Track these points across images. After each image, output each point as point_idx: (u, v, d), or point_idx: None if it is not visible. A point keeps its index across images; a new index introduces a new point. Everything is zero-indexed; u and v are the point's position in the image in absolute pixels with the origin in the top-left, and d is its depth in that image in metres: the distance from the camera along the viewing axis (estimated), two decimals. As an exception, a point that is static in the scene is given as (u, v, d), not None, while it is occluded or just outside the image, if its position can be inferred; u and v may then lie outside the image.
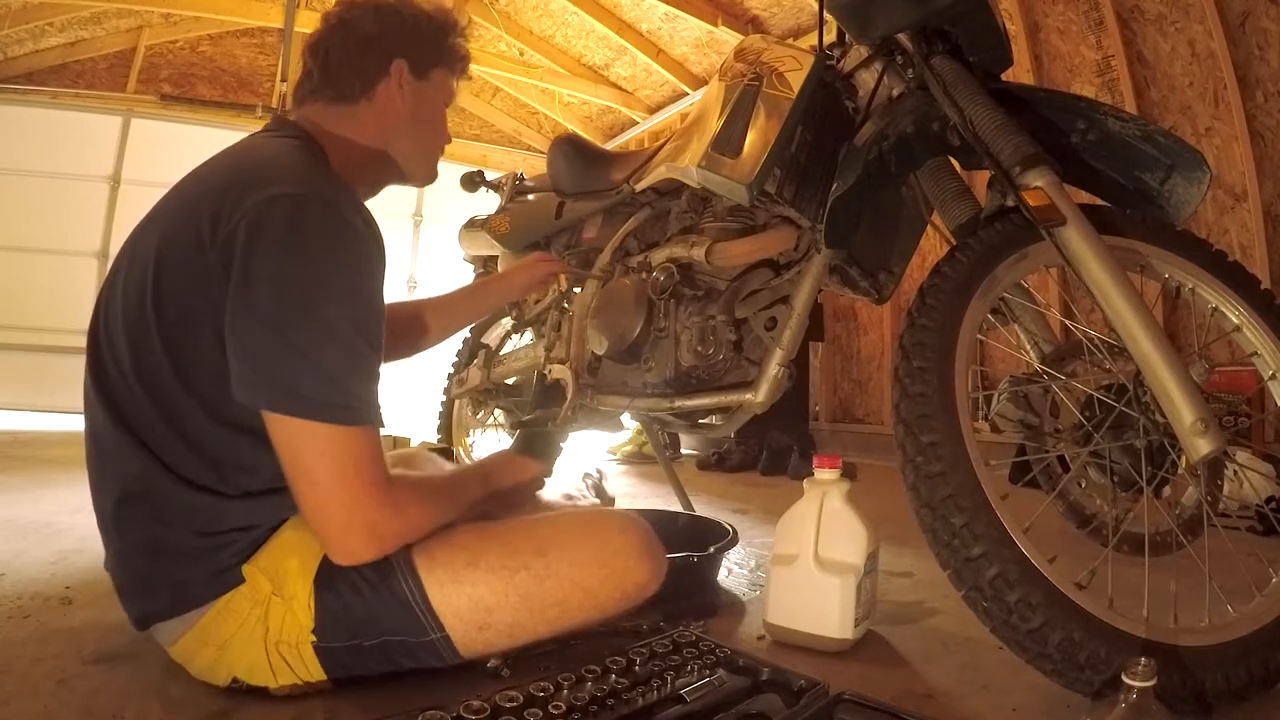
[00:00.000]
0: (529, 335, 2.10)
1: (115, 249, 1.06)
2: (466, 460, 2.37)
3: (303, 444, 0.78)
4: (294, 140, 0.94)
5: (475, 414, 2.33)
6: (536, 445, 1.14)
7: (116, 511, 0.85)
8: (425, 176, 1.11)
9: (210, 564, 0.82)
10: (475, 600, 0.86)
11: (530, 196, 1.98)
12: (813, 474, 1.11)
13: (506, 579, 0.87)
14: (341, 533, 0.80)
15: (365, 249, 0.83)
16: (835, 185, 1.11)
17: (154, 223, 0.89)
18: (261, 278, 0.78)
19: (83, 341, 0.92)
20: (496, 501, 1.05)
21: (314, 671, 0.84)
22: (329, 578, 0.83)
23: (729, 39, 4.49)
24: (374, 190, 1.07)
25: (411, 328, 1.32)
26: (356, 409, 0.80)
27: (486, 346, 2.20)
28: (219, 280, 0.79)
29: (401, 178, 1.08)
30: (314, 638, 0.82)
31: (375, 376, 0.84)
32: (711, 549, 1.30)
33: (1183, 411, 0.88)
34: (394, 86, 1.01)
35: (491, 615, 0.87)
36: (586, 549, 0.91)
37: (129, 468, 0.83)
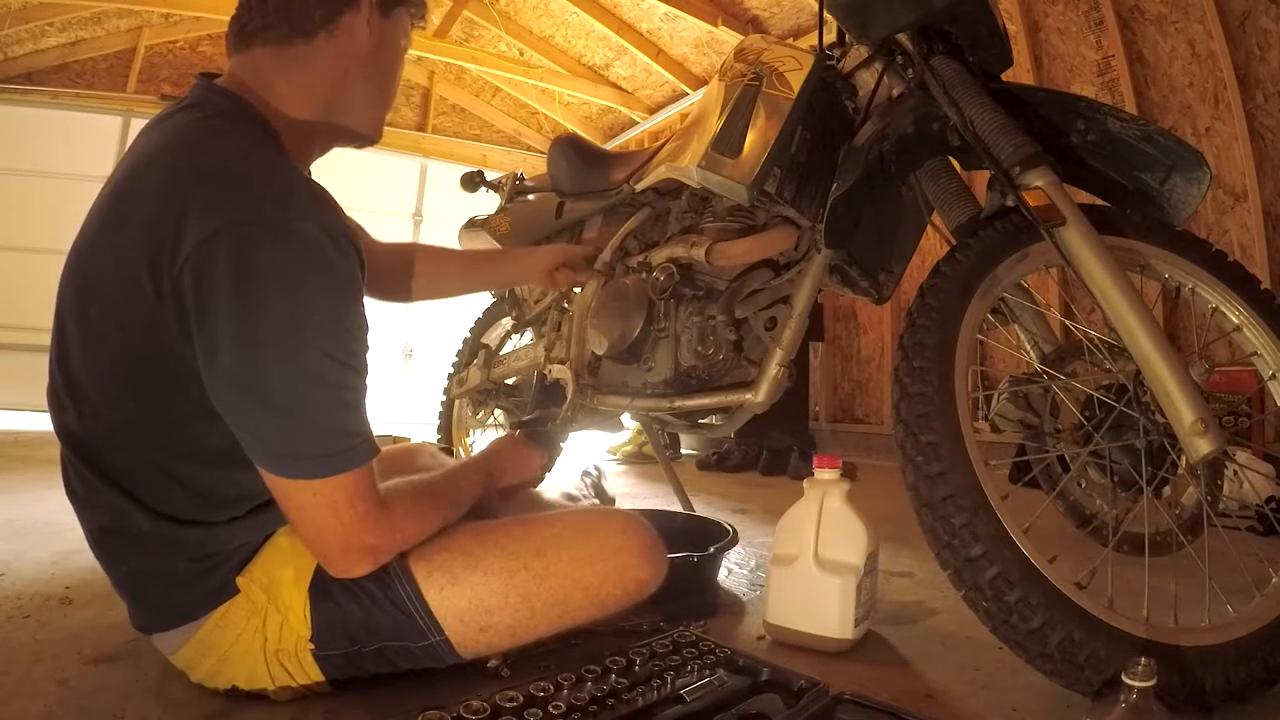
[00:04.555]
0: (529, 335, 2.10)
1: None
2: (466, 460, 2.36)
3: (296, 493, 0.76)
4: (227, 123, 0.82)
5: (475, 414, 2.33)
6: (540, 435, 1.14)
7: (100, 542, 0.83)
8: (375, 131, 0.97)
9: (205, 583, 0.81)
10: (475, 603, 0.86)
11: (530, 196, 1.98)
12: (813, 474, 1.11)
13: (506, 580, 0.87)
14: (337, 556, 0.80)
15: (328, 261, 0.74)
16: (835, 185, 1.11)
17: (89, 256, 0.80)
18: (225, 341, 0.71)
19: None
20: (495, 492, 1.05)
21: (313, 675, 0.83)
22: (324, 586, 0.82)
23: (729, 39, 4.49)
24: (322, 153, 0.96)
25: (400, 277, 1.28)
26: (348, 454, 0.76)
27: (486, 346, 2.20)
28: (172, 330, 0.73)
29: (350, 136, 0.95)
30: (312, 646, 0.82)
31: (364, 398, 0.79)
32: (711, 549, 1.30)
33: (1183, 411, 0.88)
34: (361, 19, 0.88)
35: (492, 617, 0.86)
36: (586, 548, 0.91)
37: (107, 508, 0.80)
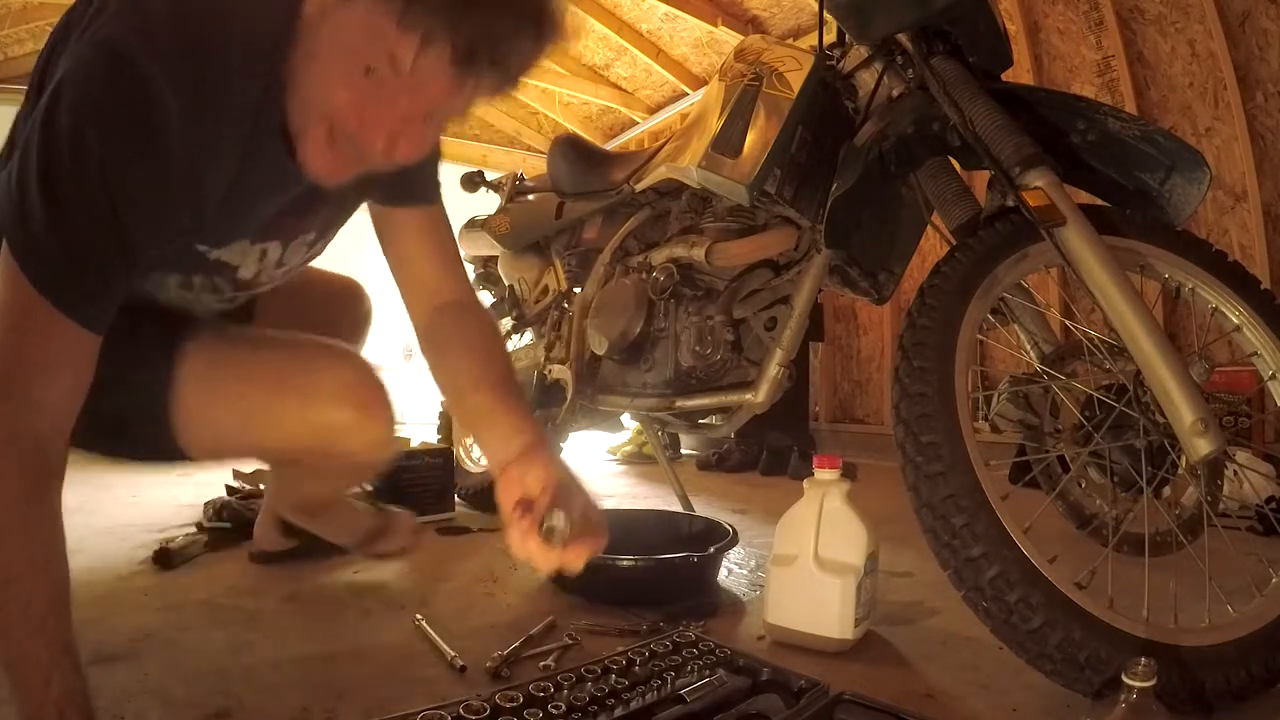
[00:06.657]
0: (529, 335, 2.10)
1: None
2: (467, 461, 2.36)
3: None
4: None
5: (475, 414, 2.32)
6: None
7: None
8: (309, 152, 0.76)
9: None
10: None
11: (530, 196, 1.98)
12: (813, 474, 1.11)
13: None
14: None
15: None
16: (835, 185, 1.11)
17: None
18: None
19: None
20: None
21: None
22: None
23: (729, 39, 4.48)
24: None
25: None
26: None
27: (486, 346, 2.20)
28: None
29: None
30: None
31: None
32: (711, 549, 1.30)
33: (1183, 411, 0.88)
34: None
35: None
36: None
37: None
